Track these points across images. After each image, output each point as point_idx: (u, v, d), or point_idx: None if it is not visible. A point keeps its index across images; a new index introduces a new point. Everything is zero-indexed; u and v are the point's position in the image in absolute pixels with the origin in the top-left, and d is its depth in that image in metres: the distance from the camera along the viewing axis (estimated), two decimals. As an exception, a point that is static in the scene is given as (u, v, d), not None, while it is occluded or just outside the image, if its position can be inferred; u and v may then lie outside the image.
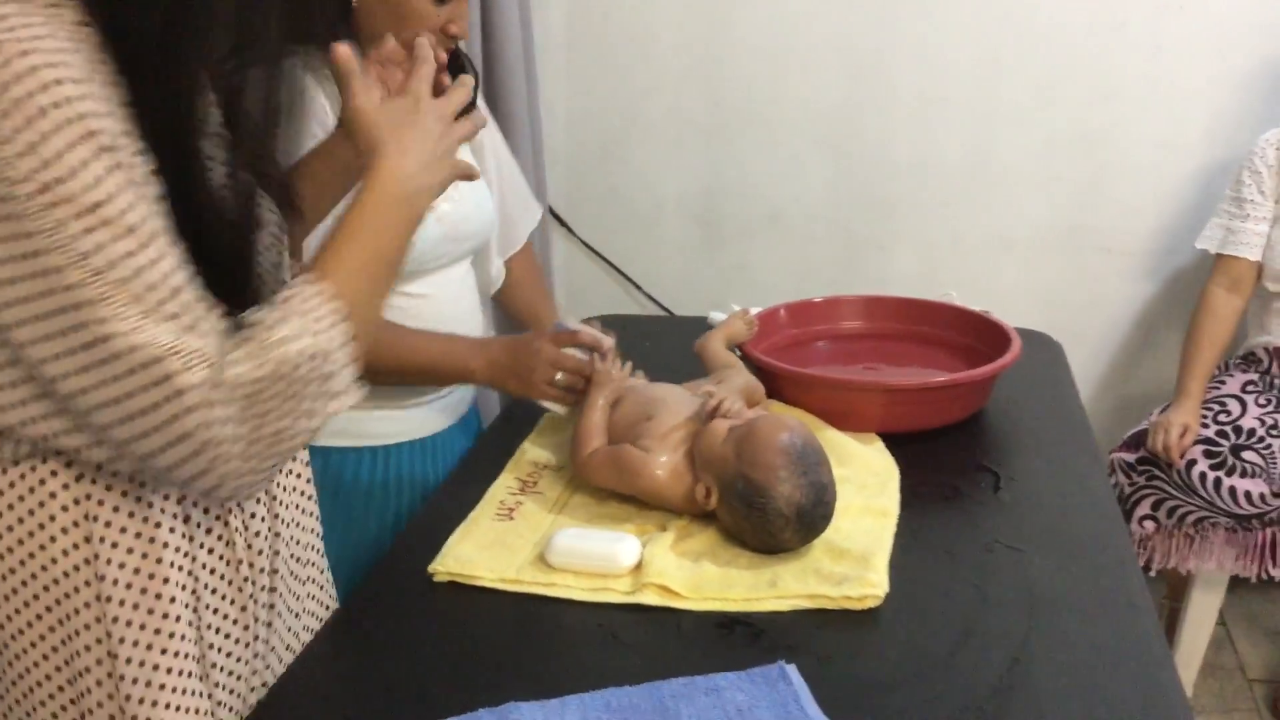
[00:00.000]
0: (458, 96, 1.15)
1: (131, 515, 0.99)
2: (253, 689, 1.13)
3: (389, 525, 1.61)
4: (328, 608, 1.26)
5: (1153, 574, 2.29)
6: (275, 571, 1.14)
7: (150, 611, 1.01)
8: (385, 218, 1.05)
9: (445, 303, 1.61)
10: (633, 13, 2.67)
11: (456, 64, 1.63)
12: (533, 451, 1.58)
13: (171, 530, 1.02)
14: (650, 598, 1.20)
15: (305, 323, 0.95)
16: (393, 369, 1.48)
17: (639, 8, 2.67)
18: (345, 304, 0.98)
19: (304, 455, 1.21)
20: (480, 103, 1.74)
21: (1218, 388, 2.33)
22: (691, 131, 2.76)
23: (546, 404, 1.54)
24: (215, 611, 1.07)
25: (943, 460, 1.55)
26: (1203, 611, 2.38)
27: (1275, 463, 2.13)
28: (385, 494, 1.61)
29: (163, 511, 1.01)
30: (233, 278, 0.98)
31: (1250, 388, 2.31)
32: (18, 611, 0.99)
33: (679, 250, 2.83)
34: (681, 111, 2.74)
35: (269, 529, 1.12)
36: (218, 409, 0.88)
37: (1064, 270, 2.70)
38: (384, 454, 1.61)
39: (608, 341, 1.52)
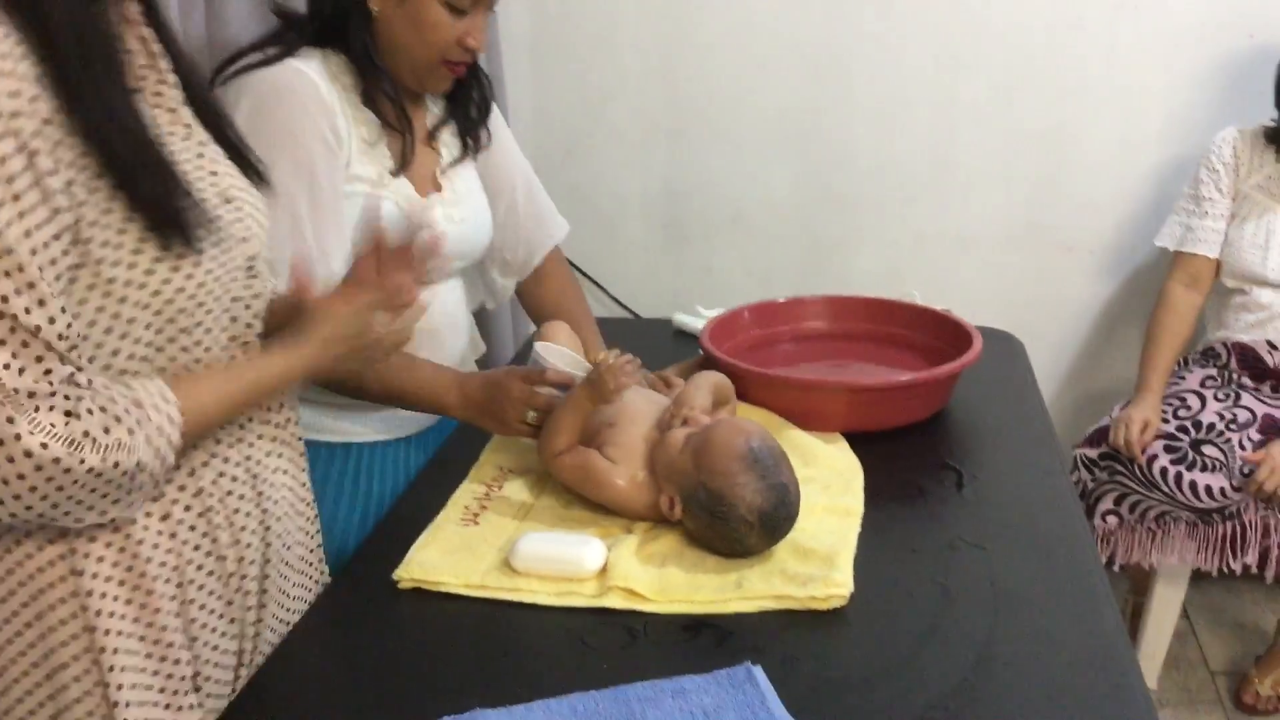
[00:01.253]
0: (396, 338, 1.24)
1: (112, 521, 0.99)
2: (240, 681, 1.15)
3: (355, 525, 1.60)
4: (318, 581, 1.29)
5: (1116, 569, 2.31)
6: (268, 561, 1.16)
7: (139, 608, 1.02)
8: (273, 386, 1.12)
9: (433, 315, 1.59)
10: (595, 15, 2.67)
11: (474, 77, 1.66)
12: (497, 456, 1.58)
13: (145, 527, 1.03)
14: (616, 601, 1.20)
15: (148, 437, 0.96)
16: (376, 392, 1.50)
17: (602, 10, 2.67)
18: (187, 436, 1.01)
19: (299, 448, 1.23)
20: (497, 119, 1.76)
21: (1177, 383, 2.36)
22: (654, 133, 2.76)
23: (525, 440, 1.51)
24: (203, 608, 1.08)
25: (906, 459, 1.55)
26: (1165, 605, 2.40)
27: (1235, 457, 2.16)
28: (354, 492, 1.61)
29: (145, 513, 1.02)
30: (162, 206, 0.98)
31: (1209, 383, 2.33)
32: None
33: (642, 251, 2.83)
34: (644, 113, 2.74)
35: (259, 524, 1.14)
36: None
37: (1024, 268, 2.72)
38: (356, 451, 1.61)
39: (576, 376, 1.48)
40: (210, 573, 1.09)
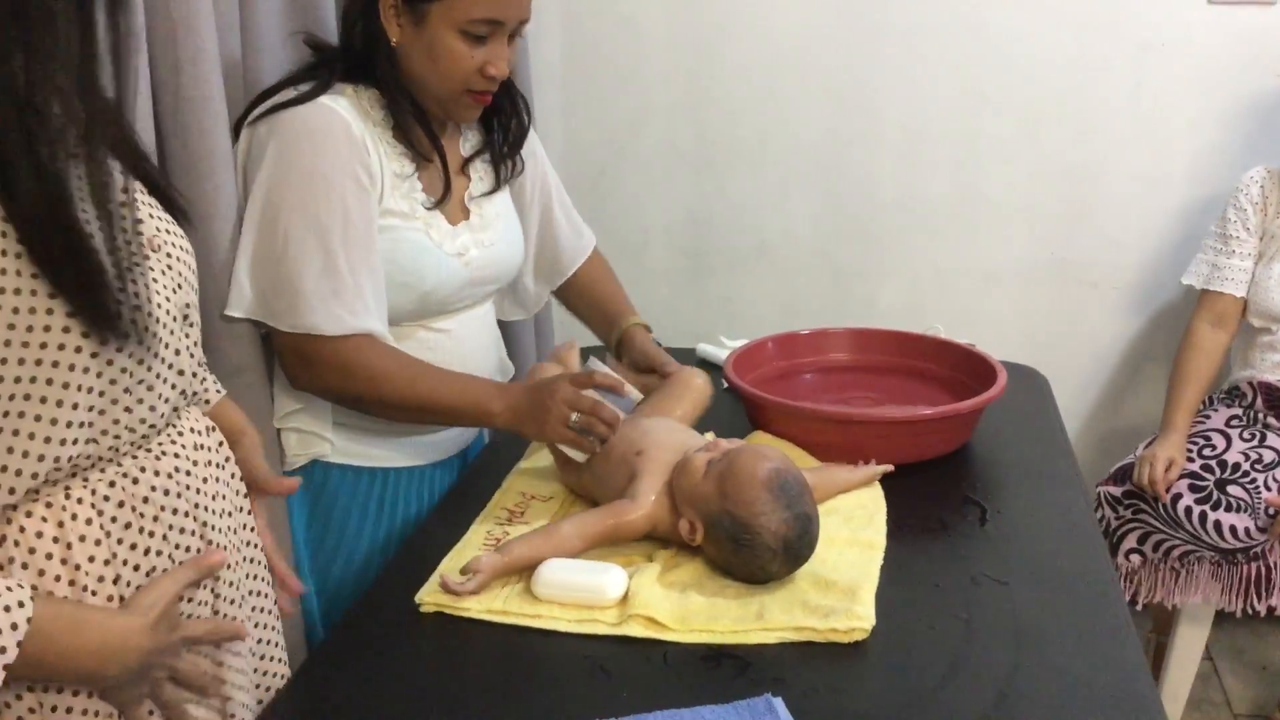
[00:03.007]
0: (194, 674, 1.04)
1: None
2: None
3: (379, 547, 1.62)
4: (280, 676, 1.23)
5: (1139, 608, 2.29)
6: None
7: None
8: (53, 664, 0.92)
9: (465, 339, 1.63)
10: (624, 47, 2.69)
11: (509, 99, 1.65)
12: (521, 483, 1.58)
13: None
14: (636, 629, 1.20)
15: None
16: (413, 406, 1.49)
17: (630, 42, 2.69)
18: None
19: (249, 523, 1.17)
20: (532, 142, 1.76)
21: (1203, 422, 2.34)
22: (680, 164, 2.77)
23: (565, 448, 1.47)
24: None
25: (929, 493, 1.55)
26: (1189, 646, 2.38)
27: (1260, 497, 2.14)
28: (379, 516, 1.62)
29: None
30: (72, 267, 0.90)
31: (1235, 422, 2.32)
32: None
33: (667, 281, 2.84)
34: (670, 144, 2.76)
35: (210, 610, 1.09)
36: None
37: (1050, 304, 2.71)
38: (381, 476, 1.62)
39: (626, 385, 1.48)
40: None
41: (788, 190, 2.74)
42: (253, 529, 1.19)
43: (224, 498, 1.12)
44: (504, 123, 1.68)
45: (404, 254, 1.51)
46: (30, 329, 0.87)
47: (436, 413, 1.51)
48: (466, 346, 1.63)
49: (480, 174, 1.67)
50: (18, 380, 0.88)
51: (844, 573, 1.29)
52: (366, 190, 1.46)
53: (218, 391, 1.24)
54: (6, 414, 0.89)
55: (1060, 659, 1.16)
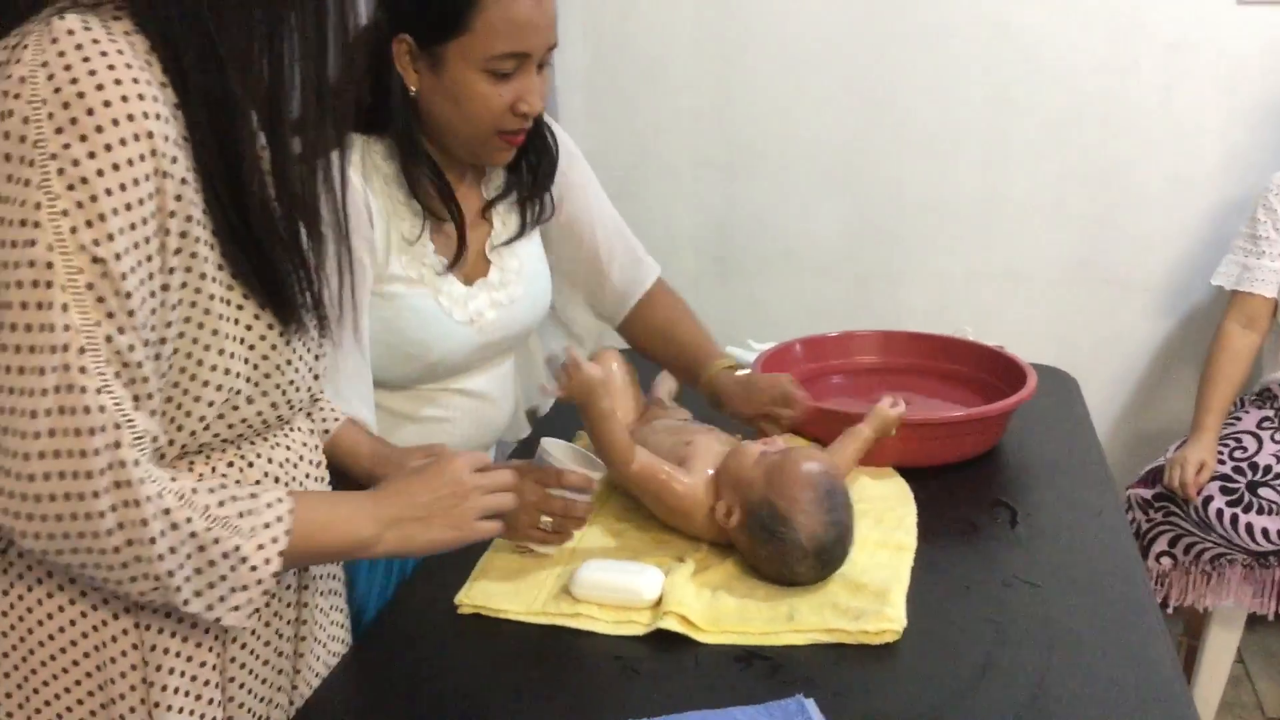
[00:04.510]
0: (495, 500, 1.15)
1: None
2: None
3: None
4: (345, 643, 1.26)
5: (1170, 611, 2.28)
6: (304, 605, 1.15)
7: (187, 660, 1.02)
8: (334, 544, 1.06)
9: (481, 399, 1.56)
10: (650, 52, 2.70)
11: (535, 132, 1.52)
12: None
13: None
14: (671, 624, 1.21)
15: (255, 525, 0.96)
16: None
17: (656, 47, 2.70)
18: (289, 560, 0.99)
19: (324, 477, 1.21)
20: (575, 163, 1.63)
21: (1233, 424, 2.33)
22: (706, 168, 2.78)
23: (534, 546, 1.35)
24: (238, 643, 1.07)
25: (959, 495, 1.55)
26: (1220, 649, 2.37)
27: (1292, 499, 2.13)
28: None
29: None
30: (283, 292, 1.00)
31: (1266, 424, 2.30)
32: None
33: (693, 285, 2.82)
34: (696, 148, 2.77)
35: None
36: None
37: (1079, 306, 2.70)
38: None
39: (596, 480, 1.33)
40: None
41: (814, 193, 2.74)
42: None
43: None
44: (530, 160, 1.54)
45: (408, 323, 1.43)
46: (221, 315, 0.95)
47: None
48: (483, 410, 1.57)
49: (504, 218, 1.56)
50: (194, 345, 0.95)
51: (875, 574, 1.30)
52: (363, 268, 1.37)
53: (335, 419, 1.29)
54: (177, 385, 0.95)
55: (1092, 662, 1.16)
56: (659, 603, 1.25)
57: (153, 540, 0.89)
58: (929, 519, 1.46)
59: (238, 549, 0.94)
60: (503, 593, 1.29)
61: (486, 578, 1.32)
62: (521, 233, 1.56)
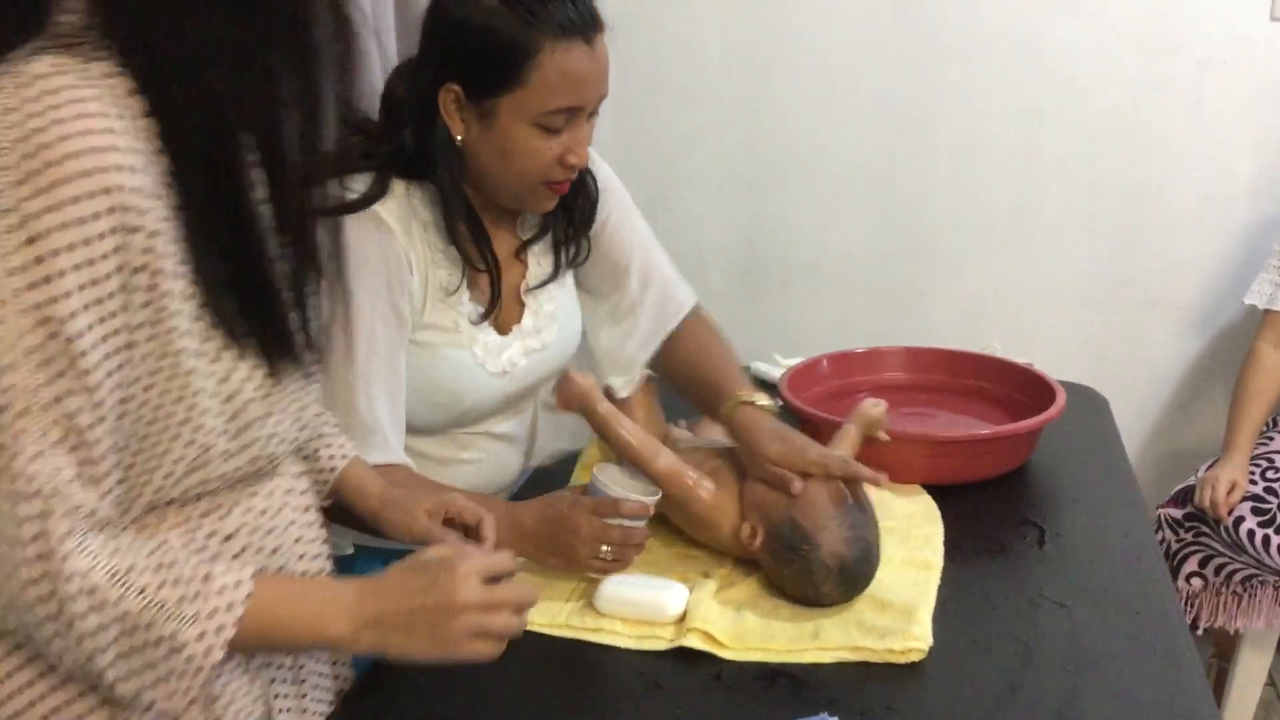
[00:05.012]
0: (503, 595, 1.02)
1: None
2: None
3: None
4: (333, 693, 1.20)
5: (1200, 632, 2.26)
6: (301, 667, 1.12)
7: None
8: (299, 636, 0.99)
9: (503, 441, 1.55)
10: (679, 66, 2.71)
11: (581, 187, 1.51)
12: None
13: None
14: (694, 642, 1.20)
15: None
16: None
17: (685, 61, 2.71)
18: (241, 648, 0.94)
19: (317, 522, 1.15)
20: (611, 195, 1.59)
21: (1266, 444, 2.31)
22: (734, 182, 2.78)
23: (595, 576, 1.33)
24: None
25: (987, 513, 1.54)
26: (1252, 671, 2.34)
27: (1325, 521, 2.10)
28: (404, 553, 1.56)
29: None
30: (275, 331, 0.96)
31: (1299, 444, 2.28)
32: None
33: (721, 299, 2.83)
34: (724, 163, 2.77)
35: None
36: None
37: (1109, 323, 2.69)
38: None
39: (652, 505, 1.32)
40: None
41: (843, 208, 2.74)
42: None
43: (305, 541, 1.11)
44: (569, 201, 1.49)
45: (442, 373, 1.42)
46: (191, 370, 0.90)
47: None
48: (507, 452, 1.56)
49: (539, 259, 1.52)
50: (163, 397, 0.90)
51: (900, 593, 1.29)
52: (402, 319, 1.36)
53: (343, 457, 1.22)
54: (145, 438, 0.91)
55: (1121, 683, 1.15)
56: (683, 618, 1.24)
57: (77, 618, 0.84)
58: (956, 537, 1.45)
59: (174, 635, 0.88)
60: (528, 606, 1.29)
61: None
62: (555, 275, 1.53)
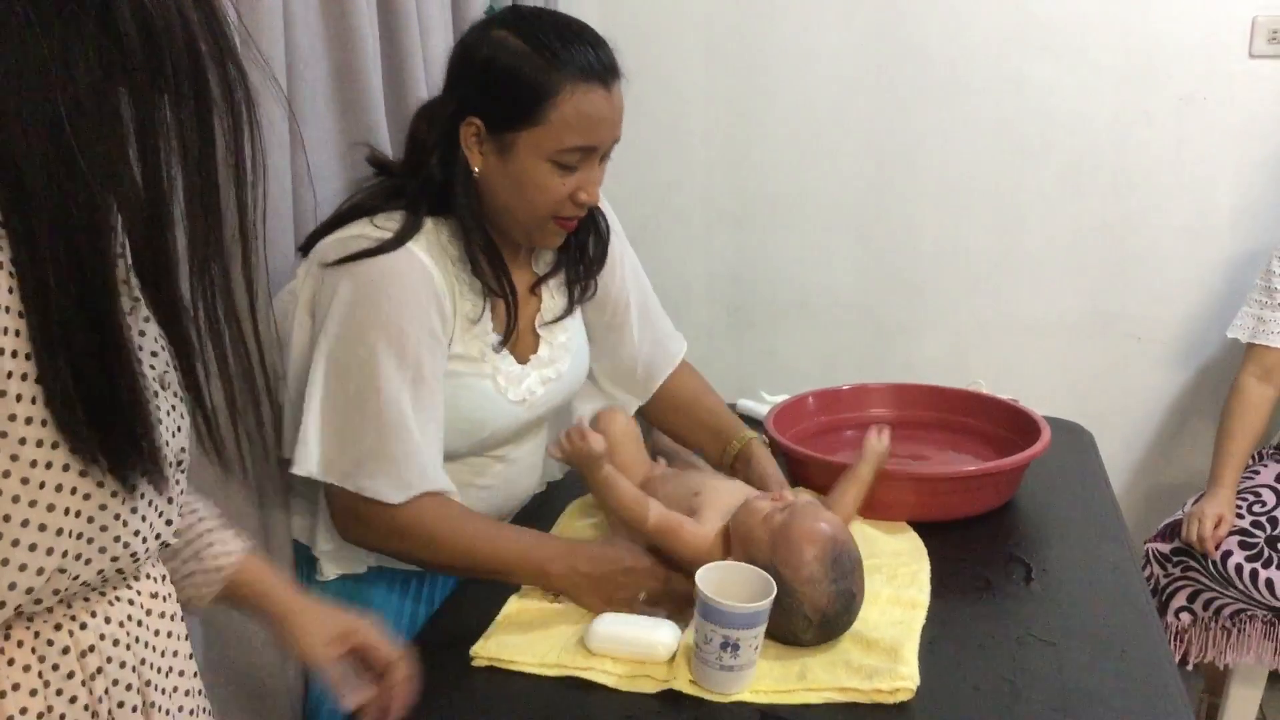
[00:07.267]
0: None
1: None
2: None
3: (424, 604, 1.58)
4: None
5: (1190, 668, 2.25)
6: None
7: None
8: None
9: (516, 464, 1.58)
10: (664, 103, 2.72)
11: (591, 221, 1.57)
12: (570, 527, 1.59)
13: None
14: (683, 686, 1.20)
15: None
16: (467, 567, 1.41)
17: (670, 98, 2.72)
18: None
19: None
20: (621, 245, 1.66)
21: (1251, 478, 2.31)
22: (720, 218, 2.79)
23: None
24: None
25: (973, 550, 1.54)
26: (1242, 707, 2.33)
27: (1312, 554, 2.10)
28: (415, 605, 1.58)
29: None
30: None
31: (1284, 478, 2.28)
32: None
33: (707, 336, 2.84)
34: (710, 199, 2.78)
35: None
36: None
37: (1093, 358, 2.70)
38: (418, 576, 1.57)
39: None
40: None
41: (828, 245, 2.75)
42: (201, 692, 1.01)
43: (173, 654, 0.96)
44: (581, 240, 1.57)
45: (467, 402, 1.45)
46: (34, 463, 0.76)
47: (492, 573, 1.40)
48: (519, 477, 1.60)
49: (553, 294, 1.58)
50: (15, 500, 0.76)
51: (886, 631, 1.28)
52: (440, 344, 1.39)
53: (228, 556, 1.10)
54: None
55: (1109, 721, 1.15)
56: (673, 659, 1.23)
57: None
58: (943, 574, 1.45)
59: None
60: (516, 644, 1.28)
61: (504, 630, 1.31)
62: (569, 311, 1.59)
